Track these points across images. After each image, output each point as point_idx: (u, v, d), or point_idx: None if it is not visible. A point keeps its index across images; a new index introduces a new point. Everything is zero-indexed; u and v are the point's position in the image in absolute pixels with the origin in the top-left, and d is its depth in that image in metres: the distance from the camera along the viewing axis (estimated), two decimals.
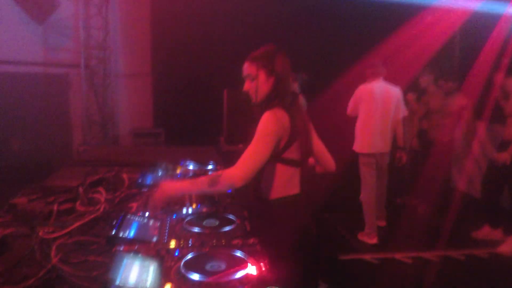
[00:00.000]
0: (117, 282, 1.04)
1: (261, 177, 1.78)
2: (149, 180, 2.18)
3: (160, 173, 2.32)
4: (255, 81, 1.77)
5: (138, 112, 6.48)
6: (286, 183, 1.75)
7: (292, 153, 1.73)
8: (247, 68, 1.80)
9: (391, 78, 4.13)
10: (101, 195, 1.94)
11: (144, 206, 1.82)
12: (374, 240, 4.01)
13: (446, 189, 4.80)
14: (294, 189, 1.77)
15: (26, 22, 5.81)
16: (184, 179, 1.99)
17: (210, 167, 2.59)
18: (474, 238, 4.09)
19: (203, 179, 1.64)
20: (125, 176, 2.28)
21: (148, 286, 1.08)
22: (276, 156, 1.72)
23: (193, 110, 6.00)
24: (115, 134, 6.53)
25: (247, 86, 1.82)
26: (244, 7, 5.77)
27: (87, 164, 2.73)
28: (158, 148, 5.12)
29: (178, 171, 2.45)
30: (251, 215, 1.82)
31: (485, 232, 4.08)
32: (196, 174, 2.38)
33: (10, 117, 5.84)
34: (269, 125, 1.67)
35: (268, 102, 1.76)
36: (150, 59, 6.39)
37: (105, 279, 1.05)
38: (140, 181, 2.16)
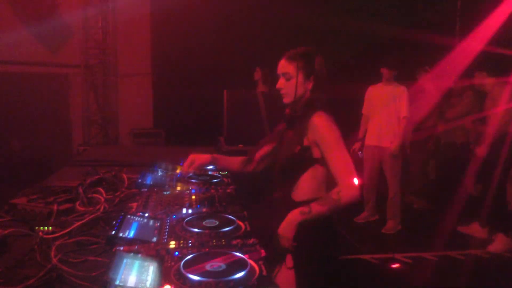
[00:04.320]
0: (117, 282, 1.04)
1: (296, 177, 1.78)
2: (148, 180, 2.18)
3: (160, 173, 2.32)
4: (292, 80, 1.74)
5: (138, 112, 6.49)
6: (320, 185, 1.76)
7: None
8: (285, 66, 1.76)
9: None
10: (101, 195, 1.95)
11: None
12: (400, 227, 4.40)
13: (455, 191, 4.77)
14: (322, 193, 1.76)
15: (26, 22, 5.81)
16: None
17: (210, 167, 2.59)
18: (460, 232, 4.14)
19: (324, 207, 1.62)
20: (125, 176, 2.28)
21: (148, 286, 1.08)
22: (319, 159, 1.73)
23: (193, 110, 6.01)
24: (115, 134, 6.53)
25: (282, 84, 1.77)
26: (244, 8, 5.77)
27: (87, 164, 2.73)
28: (158, 148, 5.12)
29: (178, 171, 2.44)
30: (276, 217, 1.76)
31: (473, 229, 4.12)
32: (196, 174, 2.38)
33: (10, 117, 5.84)
34: (335, 130, 1.69)
35: (309, 105, 1.75)
36: (150, 59, 6.39)
37: (105, 279, 1.05)
38: (140, 181, 2.16)
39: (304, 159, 1.75)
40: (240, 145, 4.20)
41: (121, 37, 6.42)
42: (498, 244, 3.80)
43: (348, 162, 1.67)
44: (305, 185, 1.77)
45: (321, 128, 1.69)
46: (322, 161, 1.73)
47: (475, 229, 4.11)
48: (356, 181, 1.63)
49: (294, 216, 1.62)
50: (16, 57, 5.84)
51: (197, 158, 1.93)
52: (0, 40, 5.72)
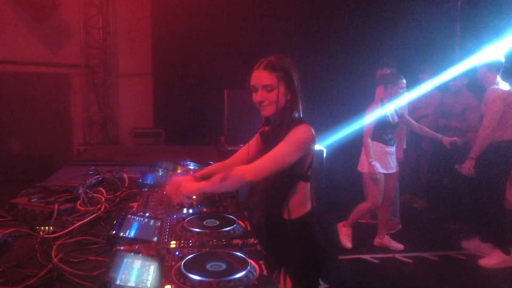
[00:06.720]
0: (118, 282, 1.05)
1: (284, 196, 1.73)
2: (149, 180, 2.18)
3: (160, 173, 2.32)
4: (273, 92, 1.66)
5: (138, 112, 6.48)
6: (305, 200, 1.74)
7: (311, 169, 1.74)
8: (266, 77, 1.66)
9: None
10: (102, 195, 1.95)
11: (159, 204, 1.81)
12: (400, 226, 4.49)
13: (452, 191, 4.76)
14: (308, 205, 1.76)
15: (26, 22, 5.81)
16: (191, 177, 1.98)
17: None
18: (463, 247, 3.95)
19: (216, 176, 1.63)
20: (125, 176, 2.28)
21: (148, 285, 1.08)
22: (302, 175, 1.70)
23: (193, 110, 6.01)
24: (115, 134, 6.53)
25: (263, 96, 1.67)
26: (245, 8, 5.77)
27: (88, 164, 2.73)
28: (158, 148, 5.12)
29: (178, 171, 2.45)
30: (266, 235, 1.79)
31: (475, 244, 3.91)
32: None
33: (10, 117, 5.84)
34: (306, 135, 1.62)
35: (289, 117, 1.68)
36: (150, 59, 6.39)
37: (106, 278, 1.05)
38: (140, 181, 2.16)
39: (285, 176, 1.67)
40: (240, 145, 4.19)
41: (121, 37, 6.42)
42: (491, 259, 3.60)
43: (277, 157, 1.58)
44: (292, 202, 1.72)
45: (293, 130, 1.63)
46: (302, 176, 1.70)
47: (477, 245, 3.89)
48: (260, 173, 1.56)
49: (206, 186, 1.67)
50: (17, 57, 5.84)
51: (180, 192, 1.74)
52: (1, 40, 5.73)
